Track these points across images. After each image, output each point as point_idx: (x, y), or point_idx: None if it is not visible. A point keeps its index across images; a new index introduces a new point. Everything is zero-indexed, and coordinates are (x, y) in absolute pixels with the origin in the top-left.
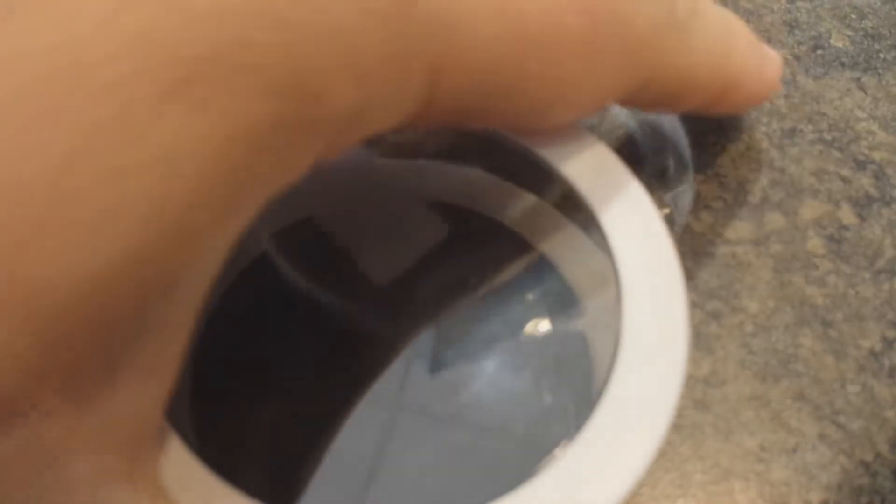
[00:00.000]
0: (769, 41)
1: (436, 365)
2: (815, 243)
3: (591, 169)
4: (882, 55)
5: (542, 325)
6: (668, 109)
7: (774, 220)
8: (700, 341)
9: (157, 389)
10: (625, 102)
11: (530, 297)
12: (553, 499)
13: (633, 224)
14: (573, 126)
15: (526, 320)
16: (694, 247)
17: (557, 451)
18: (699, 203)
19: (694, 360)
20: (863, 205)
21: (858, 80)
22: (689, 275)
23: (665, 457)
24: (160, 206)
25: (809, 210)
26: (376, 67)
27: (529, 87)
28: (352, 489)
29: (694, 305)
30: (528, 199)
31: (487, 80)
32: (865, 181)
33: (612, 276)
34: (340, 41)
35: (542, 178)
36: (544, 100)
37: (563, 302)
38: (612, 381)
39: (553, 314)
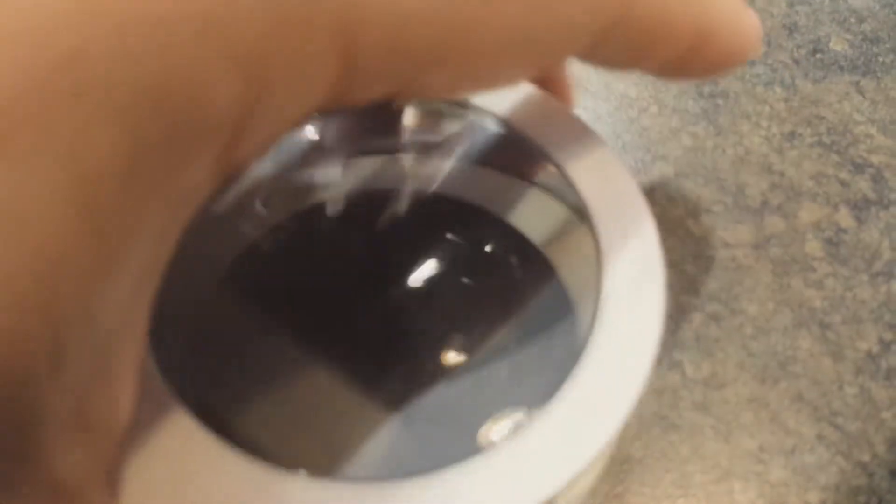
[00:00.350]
0: (769, 45)
1: (422, 331)
2: (814, 246)
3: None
4: (881, 59)
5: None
6: (635, 65)
7: (774, 223)
8: (700, 344)
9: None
10: (587, 56)
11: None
12: (552, 434)
13: (605, 184)
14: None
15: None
16: (694, 250)
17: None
18: (699, 206)
19: (694, 363)
20: (861, 207)
21: (857, 83)
22: (689, 278)
23: (666, 457)
24: (21, 277)
25: (808, 213)
26: (263, 45)
27: (470, 38)
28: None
29: (694, 308)
30: (499, 179)
31: (415, 36)
32: (863, 184)
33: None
34: (206, 25)
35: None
36: (490, 53)
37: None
38: (594, 333)
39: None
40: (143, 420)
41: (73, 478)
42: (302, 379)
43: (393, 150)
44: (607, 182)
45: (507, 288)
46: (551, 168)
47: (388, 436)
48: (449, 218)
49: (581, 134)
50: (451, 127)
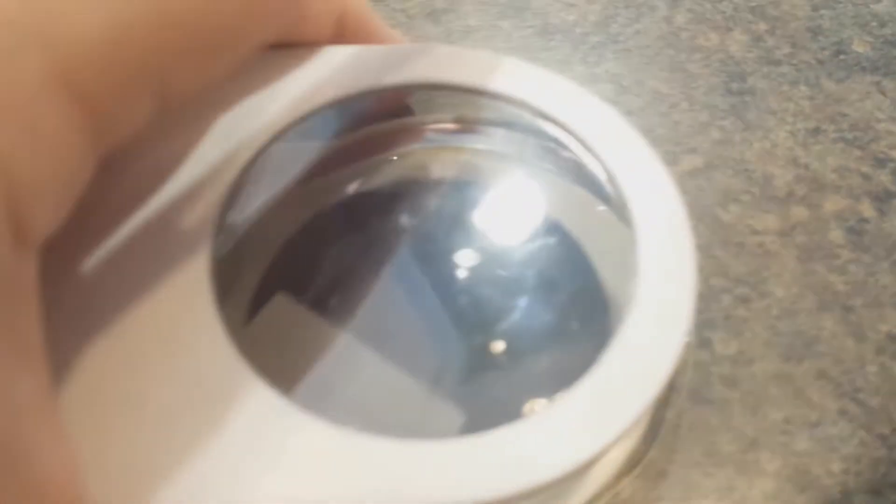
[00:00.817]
0: (794, 46)
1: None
2: (837, 234)
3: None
4: None
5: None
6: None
7: (799, 212)
8: (729, 323)
9: None
10: None
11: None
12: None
13: (640, 172)
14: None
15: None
16: (723, 236)
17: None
18: (728, 196)
19: (723, 341)
20: (882, 199)
21: (878, 83)
22: (719, 262)
23: (695, 429)
24: None
25: (831, 204)
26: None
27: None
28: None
29: (723, 290)
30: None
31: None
32: (884, 178)
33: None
34: None
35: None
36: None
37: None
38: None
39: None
40: (207, 377)
41: None
42: (352, 351)
43: (423, 141)
44: (639, 168)
45: (543, 273)
46: (583, 155)
47: (433, 407)
48: (483, 206)
49: (611, 122)
50: (479, 115)
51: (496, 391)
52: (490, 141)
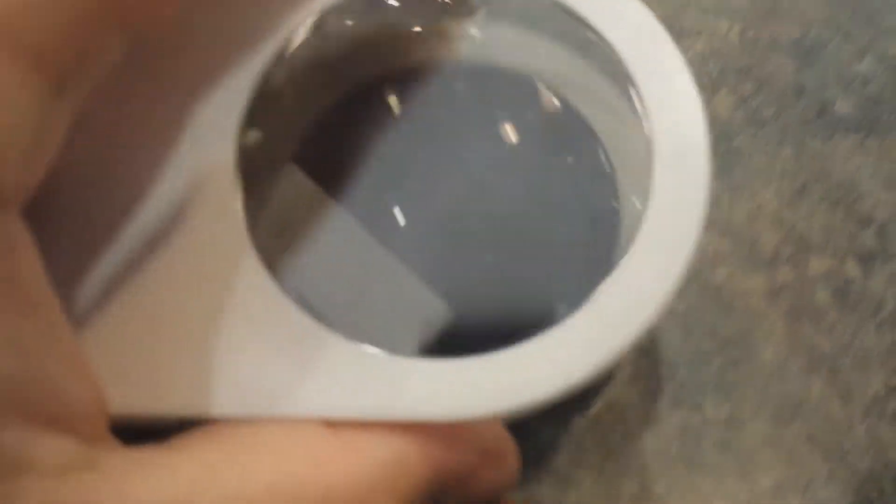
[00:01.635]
0: (779, 106)
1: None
2: (823, 295)
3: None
4: (884, 119)
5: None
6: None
7: (785, 273)
8: (720, 387)
9: None
10: None
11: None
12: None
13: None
14: None
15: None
16: (713, 298)
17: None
18: (717, 258)
19: (714, 404)
20: (866, 259)
21: (862, 142)
22: (709, 325)
23: (689, 494)
24: None
25: (817, 264)
26: None
27: None
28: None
29: (714, 353)
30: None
31: None
32: (868, 237)
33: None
34: None
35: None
36: None
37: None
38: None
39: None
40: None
41: None
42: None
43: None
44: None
45: (556, 162)
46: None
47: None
48: (498, 89)
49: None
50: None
51: (491, 290)
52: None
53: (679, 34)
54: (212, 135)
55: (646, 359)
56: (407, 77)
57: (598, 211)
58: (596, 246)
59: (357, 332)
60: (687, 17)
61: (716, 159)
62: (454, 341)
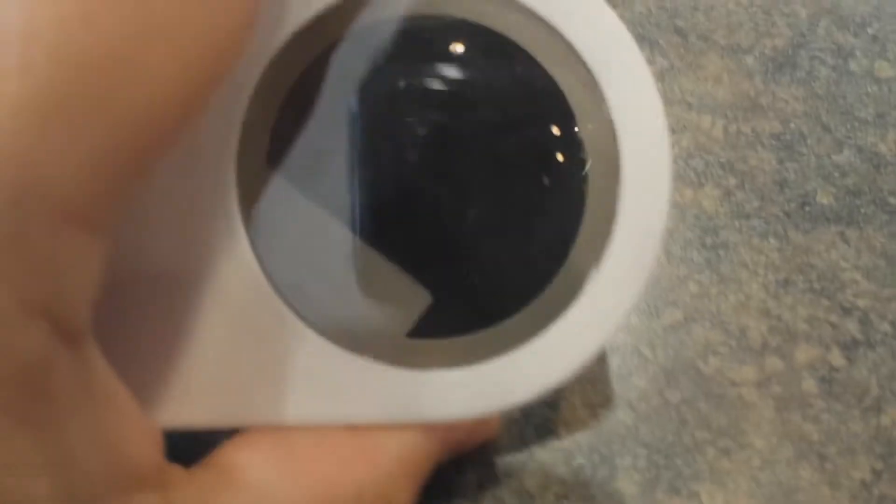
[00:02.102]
0: (762, 199)
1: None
2: (810, 384)
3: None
4: (863, 210)
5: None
6: None
7: (773, 363)
8: (713, 476)
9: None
10: None
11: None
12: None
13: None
14: None
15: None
16: (705, 389)
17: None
18: (707, 348)
19: (709, 493)
20: (850, 348)
21: (842, 233)
22: (703, 415)
23: None
24: None
25: (803, 353)
26: None
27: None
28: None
29: (707, 443)
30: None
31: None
32: (851, 326)
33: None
34: None
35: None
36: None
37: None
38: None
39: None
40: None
41: None
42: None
43: None
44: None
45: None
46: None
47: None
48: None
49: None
50: None
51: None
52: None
53: None
54: (211, 143)
55: (644, 449)
56: (345, 42)
57: (562, 184)
58: (559, 222)
59: (347, 330)
60: (672, 113)
61: (703, 252)
62: (427, 320)
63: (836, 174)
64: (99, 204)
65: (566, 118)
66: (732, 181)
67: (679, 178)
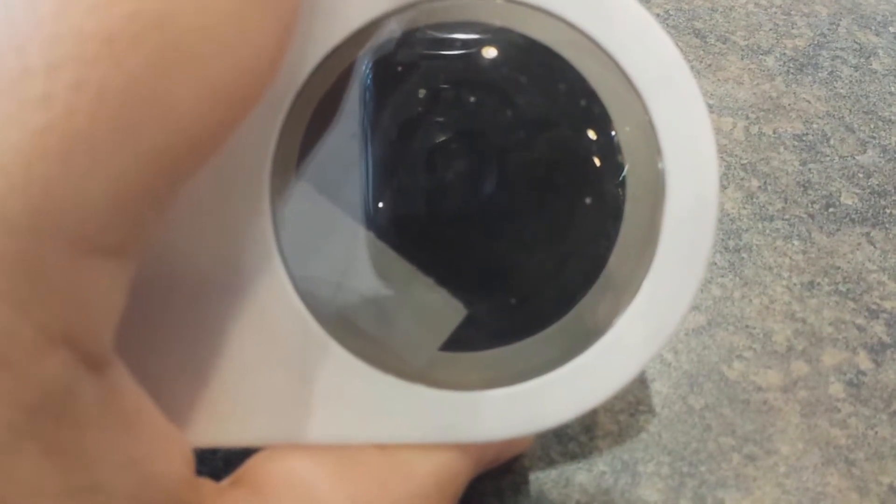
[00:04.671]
0: (786, 201)
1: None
2: (837, 388)
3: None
4: (888, 210)
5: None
6: None
7: (799, 367)
8: (739, 482)
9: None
10: None
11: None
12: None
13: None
14: None
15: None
16: (730, 394)
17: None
18: (732, 353)
19: (734, 501)
20: (877, 351)
21: (868, 234)
22: (727, 421)
23: None
24: None
25: (829, 357)
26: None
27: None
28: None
29: (732, 449)
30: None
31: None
32: (878, 328)
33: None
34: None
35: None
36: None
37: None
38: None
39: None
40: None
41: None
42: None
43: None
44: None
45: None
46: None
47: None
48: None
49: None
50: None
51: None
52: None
53: None
54: (244, 160)
55: (668, 456)
56: (385, 53)
57: (600, 200)
58: (594, 239)
59: (381, 347)
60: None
61: (726, 255)
62: (461, 332)
63: (861, 174)
64: (120, 232)
65: (602, 122)
66: (755, 183)
67: None
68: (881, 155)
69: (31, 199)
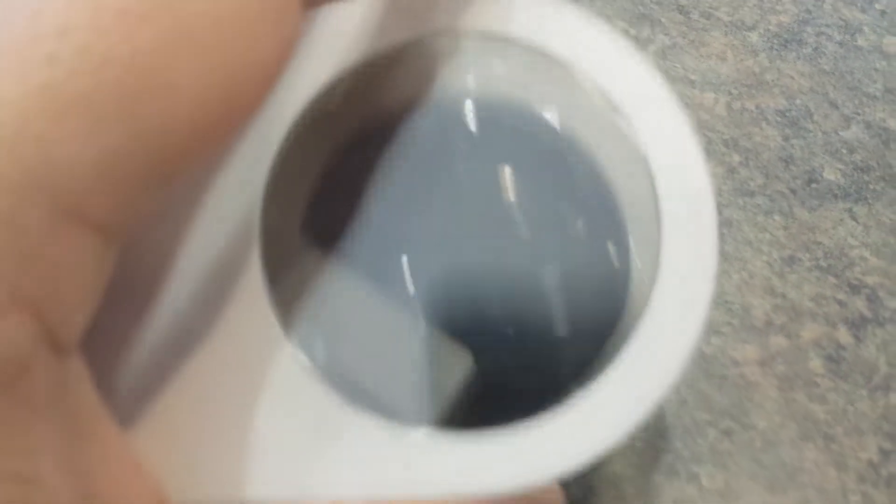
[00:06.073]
0: (767, 177)
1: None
2: (816, 363)
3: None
4: (871, 186)
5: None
6: None
7: (778, 342)
8: (715, 457)
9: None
10: None
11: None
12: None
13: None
14: None
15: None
16: (706, 369)
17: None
18: (709, 328)
19: (710, 475)
20: (858, 326)
21: (850, 210)
22: (704, 396)
23: None
24: None
25: (809, 332)
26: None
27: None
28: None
29: (708, 424)
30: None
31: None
32: (860, 304)
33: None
34: None
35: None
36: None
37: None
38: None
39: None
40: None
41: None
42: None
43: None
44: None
45: (568, 237)
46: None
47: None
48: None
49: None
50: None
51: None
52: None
53: None
54: (234, 211)
55: (642, 431)
56: (398, 119)
57: (607, 263)
58: (606, 300)
59: (387, 398)
60: (675, 91)
61: None
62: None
63: (844, 150)
64: (107, 205)
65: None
66: (736, 158)
67: None
68: (865, 131)
69: (22, 155)
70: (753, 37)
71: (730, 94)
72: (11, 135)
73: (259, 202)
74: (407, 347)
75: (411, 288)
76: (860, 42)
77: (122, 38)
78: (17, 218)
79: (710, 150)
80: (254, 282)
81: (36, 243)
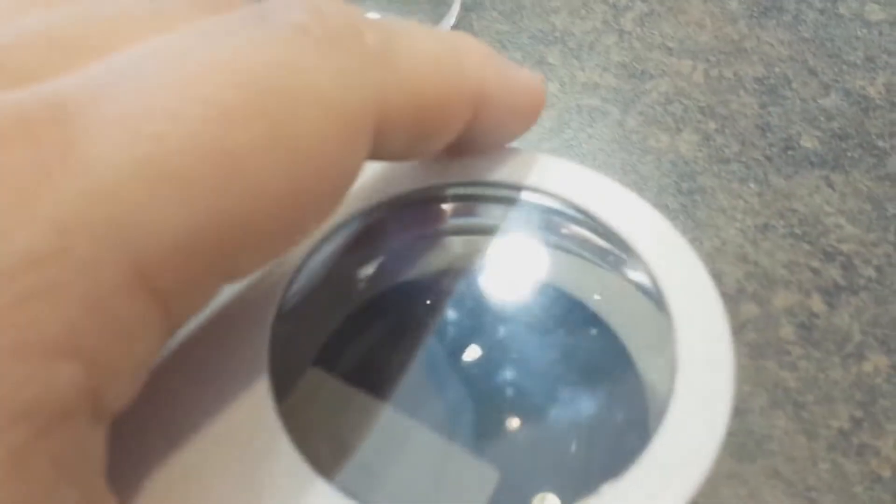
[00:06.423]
0: (743, 143)
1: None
2: (788, 331)
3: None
4: (849, 154)
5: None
6: (428, 146)
7: (749, 309)
8: None
9: None
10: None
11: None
12: None
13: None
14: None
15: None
16: None
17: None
18: None
19: None
20: (832, 293)
21: (827, 177)
22: None
23: None
24: None
25: (781, 300)
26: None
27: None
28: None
29: None
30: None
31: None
32: (834, 271)
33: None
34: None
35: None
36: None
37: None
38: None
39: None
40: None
41: None
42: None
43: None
44: (674, 259)
45: (580, 358)
46: (618, 245)
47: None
48: (521, 296)
49: (641, 210)
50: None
51: (528, 474)
52: (522, 226)
53: (643, 75)
54: (243, 349)
55: None
56: (422, 281)
57: (619, 378)
58: (625, 420)
59: None
60: (651, 58)
61: (679, 197)
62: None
63: (822, 118)
64: (176, 279)
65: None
66: (712, 125)
67: (656, 124)
68: (844, 98)
69: (111, 210)
70: (733, 4)
71: (707, 61)
72: (106, 191)
73: (266, 341)
74: (429, 466)
75: (433, 406)
76: (842, 10)
77: (226, 132)
78: (94, 265)
79: (685, 118)
80: (265, 408)
81: (106, 295)
